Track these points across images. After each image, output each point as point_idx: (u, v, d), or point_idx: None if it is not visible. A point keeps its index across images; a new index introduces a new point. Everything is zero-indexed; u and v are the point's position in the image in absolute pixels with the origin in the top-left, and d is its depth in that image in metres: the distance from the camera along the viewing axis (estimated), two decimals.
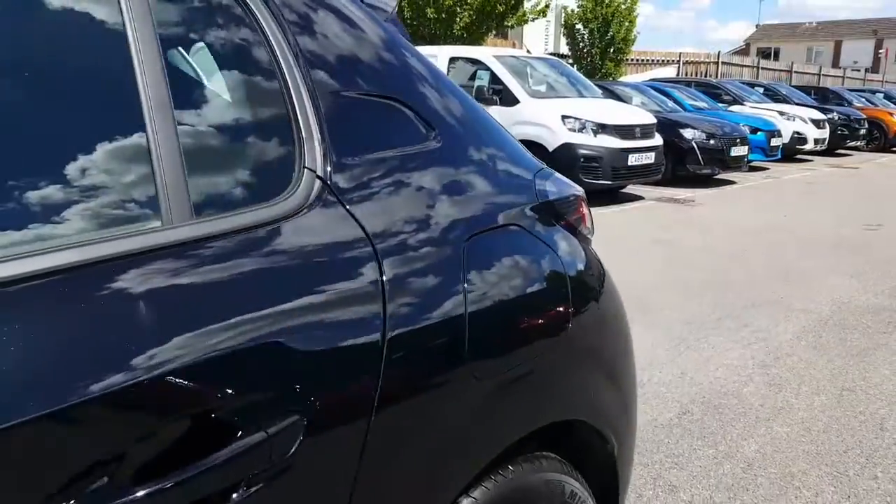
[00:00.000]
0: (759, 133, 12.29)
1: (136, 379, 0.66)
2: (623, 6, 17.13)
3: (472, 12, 13.10)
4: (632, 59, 19.16)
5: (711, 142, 10.12)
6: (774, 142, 12.70)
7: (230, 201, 0.86)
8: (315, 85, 0.97)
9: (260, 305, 0.80)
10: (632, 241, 6.02)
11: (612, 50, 17.35)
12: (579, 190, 1.37)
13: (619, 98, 10.79)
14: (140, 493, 0.65)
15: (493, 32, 14.36)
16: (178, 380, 0.70)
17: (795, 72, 24.83)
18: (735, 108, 14.02)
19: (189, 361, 0.71)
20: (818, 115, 14.64)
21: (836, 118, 15.71)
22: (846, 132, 15.85)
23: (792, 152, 13.77)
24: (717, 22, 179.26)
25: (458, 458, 1.01)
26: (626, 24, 17.35)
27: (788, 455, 2.57)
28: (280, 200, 0.88)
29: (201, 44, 0.92)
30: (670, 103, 11.94)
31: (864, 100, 18.88)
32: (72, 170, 0.75)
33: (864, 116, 16.67)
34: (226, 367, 0.75)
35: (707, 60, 21.64)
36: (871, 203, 8.81)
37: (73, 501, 0.62)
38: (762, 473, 2.44)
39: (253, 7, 0.93)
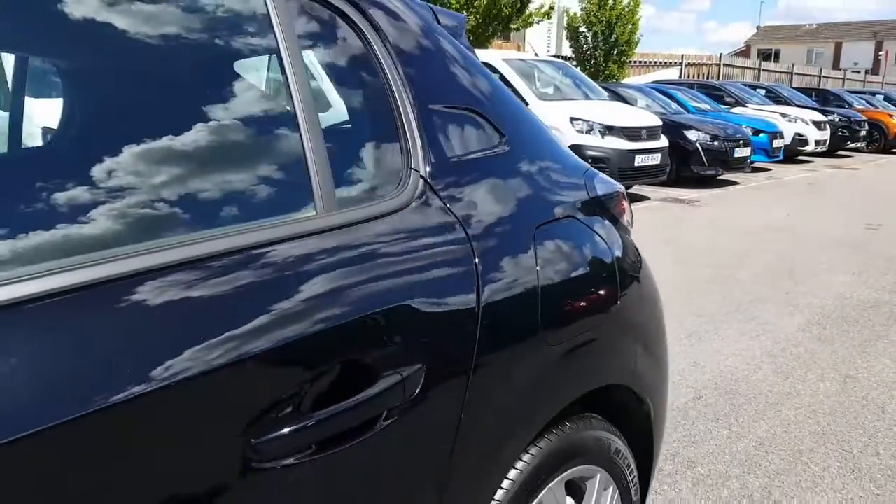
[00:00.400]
0: (761, 135, 12.50)
1: (323, 327, 0.88)
2: (626, 9, 17.33)
3: (478, 15, 13.31)
4: (634, 62, 19.36)
5: (715, 143, 10.33)
6: (776, 143, 12.90)
7: (360, 196, 1.07)
8: (415, 100, 1.17)
9: (390, 278, 1.00)
10: (641, 240, 6.16)
11: (615, 52, 17.55)
12: (620, 187, 1.58)
13: (623, 100, 10.99)
14: (329, 411, 0.86)
15: (499, 35, 14.56)
16: (345, 331, 0.90)
17: (796, 73, 25.05)
18: (737, 109, 14.22)
19: (354, 316, 0.92)
20: (819, 117, 14.84)
21: (837, 120, 15.91)
22: (847, 134, 16.05)
23: (793, 153, 13.97)
24: (717, 23, 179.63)
25: (532, 410, 1.21)
26: (630, 26, 17.56)
27: (797, 435, 2.77)
28: (396, 195, 1.08)
29: (329, 69, 1.13)
30: (674, 105, 12.15)
31: (864, 101, 19.07)
32: (260, 167, 0.95)
33: (865, 118, 16.86)
34: (373, 322, 0.95)
35: (709, 62, 21.86)
36: (871, 203, 9.01)
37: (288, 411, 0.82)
38: (773, 451, 2.64)
39: (371, 39, 1.13)
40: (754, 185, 10.79)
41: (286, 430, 0.83)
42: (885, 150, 17.26)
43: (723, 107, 14.05)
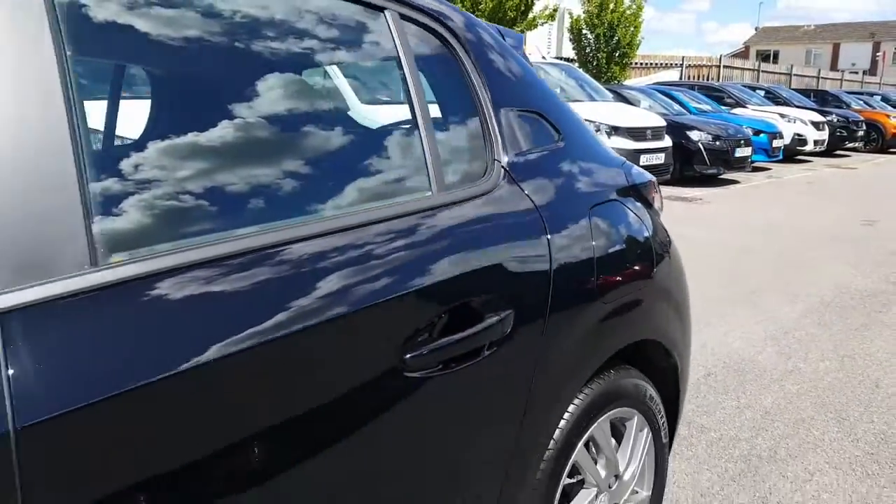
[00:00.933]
0: (761, 135, 12.80)
1: (442, 278, 1.16)
2: (629, 12, 17.63)
3: (483, 18, 13.59)
4: (635, 63, 19.67)
5: (717, 143, 10.63)
6: (776, 143, 13.20)
7: (459, 181, 1.35)
8: (494, 105, 1.46)
9: (487, 244, 1.29)
10: None
11: (617, 54, 17.85)
12: (652, 177, 1.87)
13: (627, 101, 11.30)
14: (450, 339, 1.15)
15: None
16: (459, 281, 1.19)
17: (795, 75, 25.36)
18: (738, 110, 14.52)
19: (464, 270, 1.21)
20: (818, 118, 15.15)
21: (835, 120, 16.22)
22: (845, 134, 16.36)
23: (792, 153, 14.28)
24: (716, 24, 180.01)
25: (588, 355, 1.50)
26: (632, 28, 17.86)
27: (799, 406, 3.06)
28: (485, 181, 1.37)
29: (433, 81, 1.42)
30: (676, 106, 12.46)
31: (862, 102, 19.37)
32: (396, 161, 1.24)
33: (862, 118, 17.17)
34: (477, 275, 1.24)
35: (709, 64, 22.16)
36: (868, 201, 9.31)
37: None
38: (778, 418, 2.93)
39: (461, 57, 1.42)
40: (755, 183, 11.08)
41: (425, 349, 1.12)
42: (883, 150, 17.57)
43: (723, 108, 14.35)
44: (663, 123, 9.45)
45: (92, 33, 0.94)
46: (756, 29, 55.36)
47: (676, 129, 10.35)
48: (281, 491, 0.94)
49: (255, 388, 0.91)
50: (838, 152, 16.36)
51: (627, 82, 17.65)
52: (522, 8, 14.09)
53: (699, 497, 2.33)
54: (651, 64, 21.28)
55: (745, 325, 4.12)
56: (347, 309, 1.02)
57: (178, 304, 0.86)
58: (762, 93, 17.34)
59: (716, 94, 15.45)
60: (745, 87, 17.54)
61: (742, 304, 4.51)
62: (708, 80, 20.90)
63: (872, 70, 44.15)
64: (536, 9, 14.87)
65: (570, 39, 18.46)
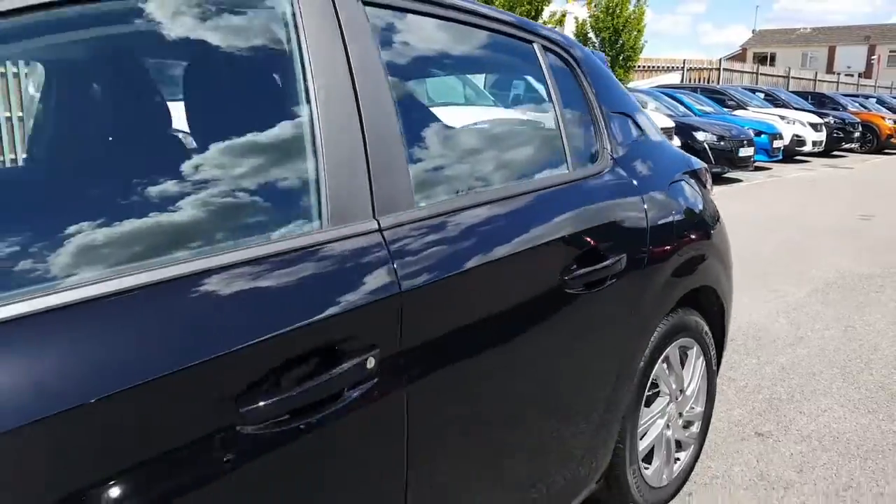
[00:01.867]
0: (762, 136, 13.37)
1: (574, 231, 1.70)
2: (632, 16, 18.21)
3: None
4: (638, 66, 20.24)
5: (721, 143, 11.20)
6: (776, 144, 13.78)
7: (582, 163, 1.89)
8: (601, 108, 2.00)
9: (606, 210, 1.83)
10: None
11: (621, 57, 18.42)
12: (704, 164, 2.42)
13: None
14: (585, 270, 1.69)
15: None
16: (590, 233, 1.74)
17: (793, 77, 25.97)
18: (739, 112, 15.08)
19: (592, 224, 1.75)
20: (815, 119, 15.73)
21: (832, 122, 16.78)
22: (841, 135, 16.93)
23: (792, 153, 14.85)
24: (712, 26, 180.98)
25: (670, 292, 2.04)
26: (635, 32, 18.44)
27: (809, 363, 3.61)
28: (599, 165, 1.91)
29: (562, 91, 1.96)
30: (681, 108, 13.03)
31: (857, 104, 19.98)
32: (545, 149, 1.79)
33: (859, 120, 17.76)
34: (602, 229, 1.78)
35: (709, 67, 22.76)
36: (865, 198, 9.89)
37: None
38: (792, 372, 3.48)
39: (580, 73, 1.96)
40: (757, 182, 11.65)
41: (576, 275, 1.66)
42: (878, 151, 18.16)
43: (725, 110, 14.92)
44: (671, 124, 10.01)
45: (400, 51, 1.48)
46: (753, 32, 56.09)
47: (683, 129, 10.92)
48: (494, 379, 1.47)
49: (473, 298, 1.42)
50: (835, 153, 16.94)
51: (630, 84, 18.23)
52: (533, 13, 14.64)
53: (733, 426, 2.88)
54: (653, 67, 21.85)
55: (759, 301, 4.67)
56: (528, 245, 1.55)
57: (450, 232, 1.39)
58: (761, 95, 17.93)
59: (717, 97, 16.01)
60: (745, 89, 18.11)
61: (755, 286, 5.06)
62: (708, 82, 21.50)
63: (867, 73, 44.82)
64: (545, 14, 15.42)
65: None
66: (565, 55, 1.94)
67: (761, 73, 24.72)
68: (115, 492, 0.87)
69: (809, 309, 4.57)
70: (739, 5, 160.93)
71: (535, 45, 1.85)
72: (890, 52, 49.90)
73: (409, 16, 1.49)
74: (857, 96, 21.90)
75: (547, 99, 1.85)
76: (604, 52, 18.31)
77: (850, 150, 17.59)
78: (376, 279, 1.20)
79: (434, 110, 1.71)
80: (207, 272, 1.01)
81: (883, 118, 18.90)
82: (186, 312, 0.98)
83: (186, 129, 1.32)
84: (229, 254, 1.05)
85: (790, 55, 51.03)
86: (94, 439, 0.87)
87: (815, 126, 15.42)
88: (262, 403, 1.00)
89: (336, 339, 1.12)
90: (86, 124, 1.42)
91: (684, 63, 22.01)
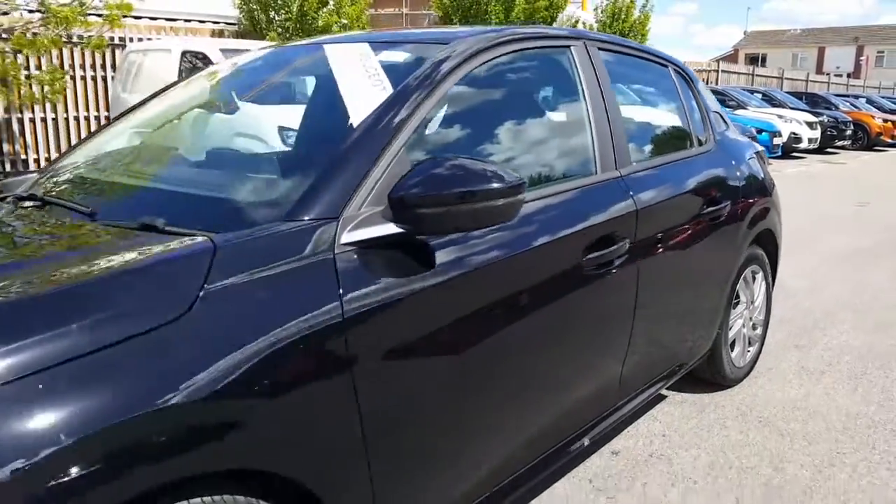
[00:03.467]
0: (763, 133, 14.47)
1: (700, 185, 2.73)
2: (637, 22, 19.30)
3: None
4: None
5: None
6: (776, 141, 14.90)
7: (699, 144, 2.91)
8: (706, 109, 3.03)
9: (714, 176, 2.85)
10: None
11: None
12: (762, 148, 3.46)
13: None
14: (710, 209, 2.72)
15: None
16: (710, 187, 2.76)
17: (786, 78, 27.16)
18: (739, 112, 16.17)
19: (713, 181, 2.77)
20: (811, 118, 16.85)
21: (826, 120, 17.92)
22: (835, 133, 18.08)
23: (789, 150, 15.97)
24: (704, 26, 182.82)
25: (750, 231, 3.06)
26: (640, 37, 19.51)
27: (826, 306, 4.65)
28: (708, 146, 2.94)
29: (684, 98, 2.99)
30: None
31: (849, 104, 21.15)
32: (684, 136, 2.83)
33: (850, 119, 18.92)
34: (712, 185, 2.80)
35: (707, 69, 23.89)
36: (859, 189, 10.99)
37: None
38: (815, 312, 4.52)
39: (693, 86, 2.99)
40: None
41: (706, 212, 2.68)
42: (868, 148, 19.32)
43: (727, 109, 16.01)
44: None
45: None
46: (745, 33, 57.44)
47: None
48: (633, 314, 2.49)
49: (669, 215, 2.44)
50: (829, 150, 18.08)
51: None
52: (549, 20, 15.68)
53: (777, 342, 3.91)
54: None
55: (781, 267, 5.71)
56: (681, 191, 2.57)
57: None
58: (759, 96, 19.05)
59: (718, 97, 17.08)
60: (744, 90, 19.22)
61: None
62: (707, 83, 22.62)
63: (856, 73, 46.12)
64: (559, 21, 16.45)
65: None
66: (685, 74, 2.97)
67: (757, 75, 25.88)
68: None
69: (821, 271, 5.63)
70: (730, 6, 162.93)
71: (670, 69, 2.88)
72: (878, 52, 51.37)
73: (613, 54, 2.52)
74: (847, 96, 23.06)
75: (677, 102, 2.88)
76: None
77: (843, 148, 18.73)
78: (625, 202, 2.22)
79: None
80: (558, 193, 2.03)
81: (873, 117, 20.07)
82: (552, 212, 1.99)
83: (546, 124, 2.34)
84: (562, 184, 2.08)
85: (781, 56, 52.38)
86: None
87: (810, 124, 16.54)
88: (587, 257, 2.02)
89: (610, 232, 2.14)
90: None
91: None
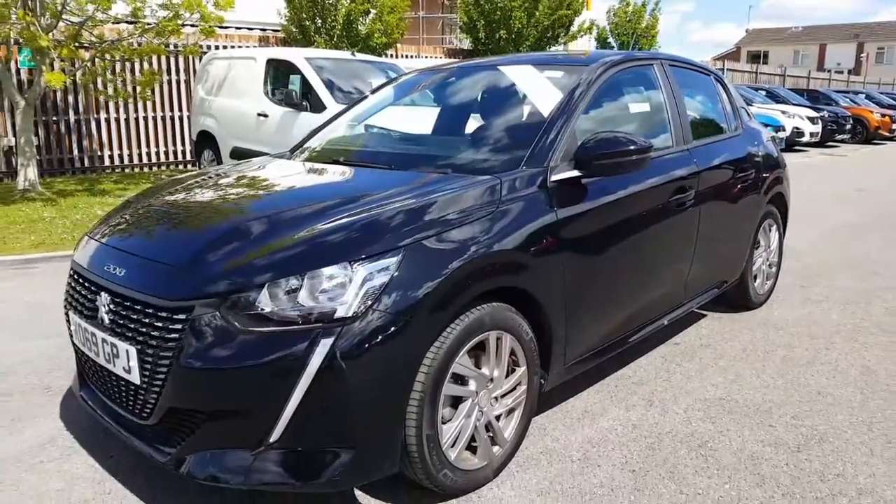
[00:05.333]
0: (768, 128, 15.60)
1: (731, 159, 3.91)
2: (648, 24, 20.46)
3: (536, 34, 16.35)
4: None
5: None
6: (780, 135, 16.04)
7: (728, 130, 4.08)
8: (735, 106, 4.21)
9: (745, 151, 4.02)
10: None
11: None
12: (774, 133, 4.63)
13: None
14: (737, 177, 3.90)
15: (549, 48, 17.60)
16: (739, 161, 3.94)
17: (788, 75, 28.29)
18: None
19: (739, 156, 3.95)
20: (812, 114, 17.98)
21: (827, 116, 19.04)
22: (835, 127, 19.20)
23: (791, 144, 17.09)
24: (701, 24, 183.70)
25: (766, 198, 4.21)
26: (650, 38, 20.68)
27: (825, 263, 5.82)
28: (737, 131, 4.11)
29: (723, 98, 4.15)
30: None
31: (848, 100, 22.27)
32: (723, 129, 4.02)
33: (850, 114, 20.05)
34: (743, 161, 3.98)
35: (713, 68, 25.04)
36: (858, 177, 12.15)
37: None
38: (815, 267, 5.69)
39: (725, 88, 4.17)
40: None
41: (740, 183, 3.86)
42: (867, 141, 20.46)
43: None
44: None
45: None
46: (747, 31, 58.53)
47: None
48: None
49: (714, 177, 3.60)
50: (830, 143, 19.21)
51: None
52: (567, 23, 16.85)
53: (785, 284, 5.08)
54: None
55: (787, 236, 6.86)
56: (719, 162, 3.73)
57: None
58: (763, 93, 20.19)
59: None
60: (749, 87, 20.36)
61: None
62: None
63: (857, 70, 47.18)
64: (575, 26, 17.61)
65: (597, 47, 21.26)
66: (720, 79, 4.15)
67: (760, 73, 27.01)
68: None
69: (822, 240, 6.81)
70: (727, 4, 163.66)
71: (711, 77, 4.07)
72: (878, 49, 52.44)
73: (676, 68, 3.70)
74: (847, 92, 24.19)
75: (717, 100, 4.06)
76: None
77: (843, 141, 19.87)
78: (690, 166, 3.40)
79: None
80: (656, 157, 3.18)
81: (871, 112, 21.20)
82: (655, 168, 3.16)
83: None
84: (658, 152, 3.26)
85: (782, 53, 53.47)
86: None
87: (812, 119, 17.67)
88: (672, 198, 3.20)
89: (683, 183, 3.31)
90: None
91: None
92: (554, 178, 2.62)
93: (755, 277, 4.38)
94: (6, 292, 4.86)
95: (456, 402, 2.31)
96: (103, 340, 2.25)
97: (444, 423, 2.24)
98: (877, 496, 2.40)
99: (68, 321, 2.58)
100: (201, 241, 2.24)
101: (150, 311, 2.09)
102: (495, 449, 2.45)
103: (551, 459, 2.62)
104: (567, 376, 2.82)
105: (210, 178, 3.07)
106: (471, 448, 2.38)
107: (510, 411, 2.51)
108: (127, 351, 2.14)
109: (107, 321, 2.25)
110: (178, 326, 2.02)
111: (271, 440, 2.00)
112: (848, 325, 4.21)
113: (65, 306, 2.62)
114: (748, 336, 4.00)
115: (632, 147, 2.64)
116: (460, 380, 2.28)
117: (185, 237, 2.37)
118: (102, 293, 2.29)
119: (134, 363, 2.12)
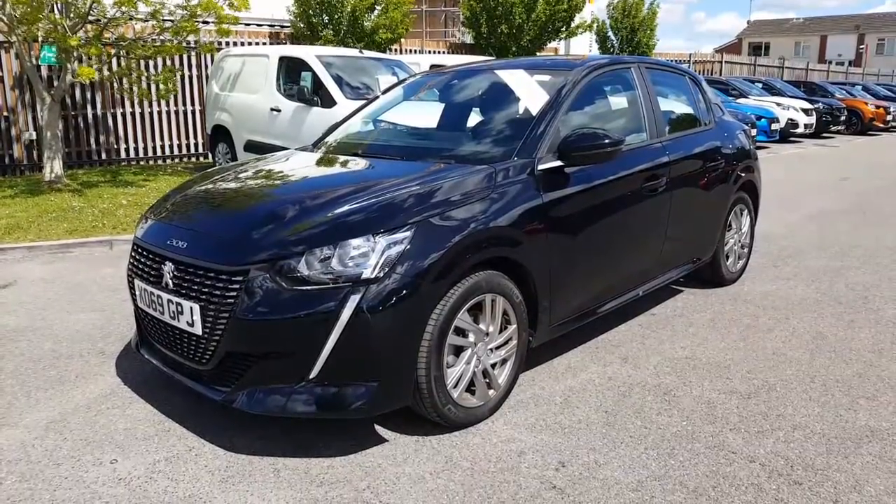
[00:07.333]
0: (762, 120, 16.04)
1: (706, 150, 4.39)
2: (647, 17, 20.85)
3: (536, 28, 16.77)
4: None
5: None
6: (774, 126, 16.46)
7: (704, 123, 4.55)
8: (708, 101, 4.69)
9: (717, 143, 4.50)
10: None
11: (637, 53, 21.07)
12: (747, 127, 5.12)
13: None
14: (712, 164, 4.38)
15: (549, 43, 18.02)
16: (710, 152, 4.42)
17: (787, 67, 28.64)
18: (741, 100, 17.71)
19: (714, 148, 4.43)
20: (807, 105, 18.38)
21: (821, 107, 19.41)
22: (829, 119, 19.57)
23: (786, 135, 17.51)
24: (705, 14, 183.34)
25: (737, 185, 4.68)
26: (648, 31, 21.08)
27: (799, 246, 6.30)
28: (710, 125, 4.58)
29: (699, 93, 4.63)
30: None
31: (844, 91, 22.62)
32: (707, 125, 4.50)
33: (844, 106, 20.41)
34: (717, 152, 4.46)
35: (712, 60, 25.42)
36: (845, 167, 12.60)
37: None
38: (790, 249, 6.17)
39: (699, 86, 4.64)
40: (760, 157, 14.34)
41: (716, 167, 4.34)
42: (862, 132, 20.84)
43: (729, 98, 17.56)
44: None
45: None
46: (748, 22, 58.75)
47: None
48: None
49: (686, 167, 4.08)
50: (824, 134, 19.61)
51: None
52: (567, 19, 17.25)
53: (759, 264, 5.56)
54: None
55: (766, 222, 7.36)
56: (693, 152, 4.21)
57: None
58: (760, 85, 20.57)
59: (722, 87, 18.64)
60: (745, 80, 20.75)
61: (761, 215, 7.75)
62: (711, 73, 24.14)
63: (857, 61, 47.42)
64: (576, 21, 18.01)
65: (596, 41, 21.68)
66: (695, 79, 4.63)
67: (759, 65, 27.37)
68: None
69: (799, 225, 7.28)
70: None
71: (686, 77, 4.54)
72: (878, 40, 52.66)
73: (653, 70, 4.18)
74: (843, 84, 24.53)
75: (691, 98, 4.53)
76: (622, 49, 20.98)
77: (837, 133, 20.26)
78: (662, 157, 3.89)
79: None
80: (630, 149, 3.67)
81: (866, 104, 21.56)
82: (628, 158, 3.65)
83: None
84: (631, 144, 3.75)
85: (783, 44, 53.72)
86: None
87: (806, 111, 18.07)
88: (645, 185, 3.69)
89: (655, 172, 3.80)
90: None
91: (690, 57, 24.62)
92: (541, 167, 3.10)
93: (727, 257, 4.87)
94: (50, 274, 5.36)
95: (458, 350, 2.81)
96: (168, 301, 2.75)
97: (448, 367, 2.73)
98: (808, 430, 2.90)
99: (132, 287, 3.08)
100: (250, 219, 2.74)
101: (212, 274, 2.59)
102: (490, 392, 2.95)
103: (538, 403, 3.12)
104: (552, 335, 3.32)
105: (246, 168, 3.56)
106: (470, 391, 2.88)
107: (503, 361, 3.00)
108: (191, 308, 2.63)
109: (171, 285, 2.75)
110: (237, 286, 2.52)
111: (311, 377, 2.50)
112: (810, 298, 4.70)
113: (129, 275, 3.13)
114: (718, 308, 4.49)
115: (606, 141, 3.12)
116: (462, 332, 2.78)
117: (236, 216, 2.88)
118: (167, 262, 2.79)
119: (197, 317, 2.62)
